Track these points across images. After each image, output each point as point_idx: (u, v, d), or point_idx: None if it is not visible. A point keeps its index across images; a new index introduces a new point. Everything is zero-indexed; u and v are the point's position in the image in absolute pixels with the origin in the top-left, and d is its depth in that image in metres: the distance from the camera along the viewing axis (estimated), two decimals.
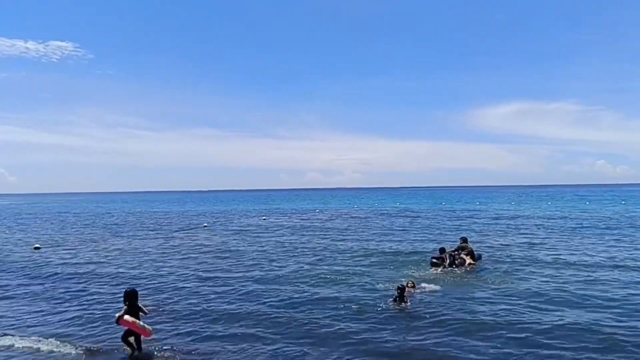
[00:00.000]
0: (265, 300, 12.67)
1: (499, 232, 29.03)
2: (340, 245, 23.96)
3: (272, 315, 11.09)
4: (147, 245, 25.66)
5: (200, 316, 11.23)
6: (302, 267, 17.59)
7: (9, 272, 17.93)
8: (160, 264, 19.23)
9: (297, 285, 14.28)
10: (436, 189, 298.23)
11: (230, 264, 18.78)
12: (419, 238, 26.51)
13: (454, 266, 16.34)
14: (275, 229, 34.81)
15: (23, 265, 19.46)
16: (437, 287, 13.55)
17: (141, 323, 8.77)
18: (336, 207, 69.20)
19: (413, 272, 15.86)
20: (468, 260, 16.70)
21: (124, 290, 9.16)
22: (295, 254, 21.09)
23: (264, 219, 46.20)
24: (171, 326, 10.39)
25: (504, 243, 23.31)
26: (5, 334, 10.22)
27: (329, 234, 29.81)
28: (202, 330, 10.13)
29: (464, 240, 18.08)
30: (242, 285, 14.44)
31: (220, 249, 23.57)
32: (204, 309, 11.83)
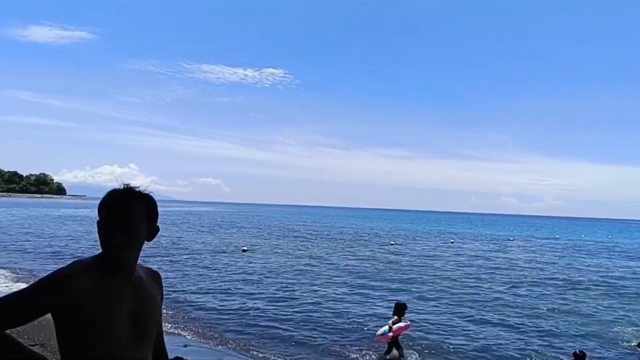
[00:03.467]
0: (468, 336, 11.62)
1: None
2: (546, 280, 21.02)
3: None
4: (343, 258, 26.56)
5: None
6: (501, 301, 15.87)
7: (222, 271, 20.32)
8: (355, 276, 19.56)
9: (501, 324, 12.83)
10: None
11: (425, 289, 18.02)
12: None
13: None
14: (462, 254, 32.78)
15: (232, 265, 21.90)
16: None
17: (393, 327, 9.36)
18: (535, 237, 62.44)
19: None
20: None
21: (396, 302, 10.10)
22: (486, 284, 19.27)
23: (452, 243, 44.11)
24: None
25: None
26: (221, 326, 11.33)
27: (529, 266, 26.66)
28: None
29: None
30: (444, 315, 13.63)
31: (410, 272, 22.91)
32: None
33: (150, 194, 1.90)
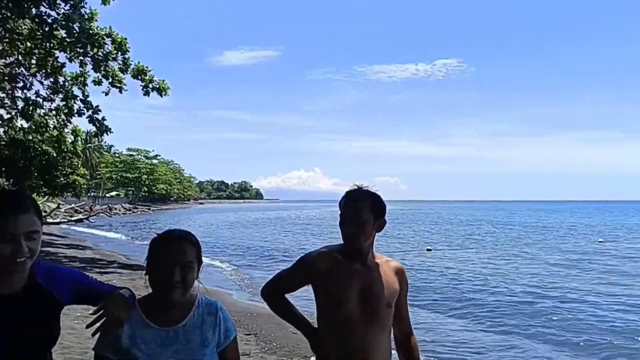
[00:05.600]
0: None
1: None
2: None
3: None
4: (543, 258, 23.78)
5: None
6: None
7: (411, 271, 19.74)
8: (563, 282, 17.13)
9: None
10: None
11: None
12: None
13: None
14: None
15: (417, 265, 21.20)
16: None
17: None
18: None
19: None
20: None
21: None
22: None
23: None
24: None
25: None
26: None
27: None
28: None
29: None
30: None
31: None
32: None
33: (376, 192, 2.35)
